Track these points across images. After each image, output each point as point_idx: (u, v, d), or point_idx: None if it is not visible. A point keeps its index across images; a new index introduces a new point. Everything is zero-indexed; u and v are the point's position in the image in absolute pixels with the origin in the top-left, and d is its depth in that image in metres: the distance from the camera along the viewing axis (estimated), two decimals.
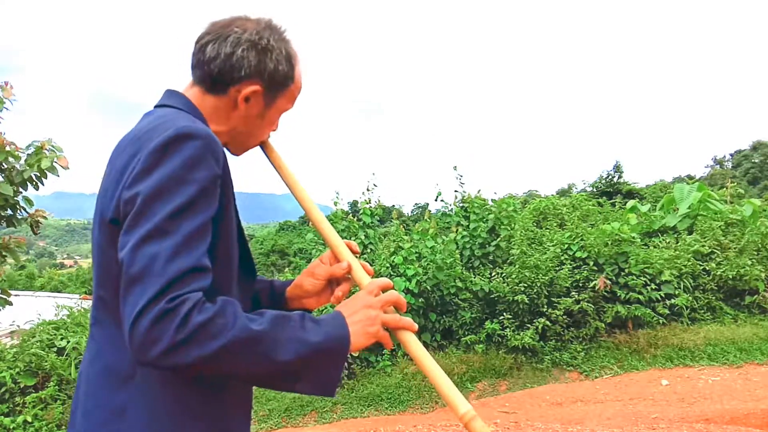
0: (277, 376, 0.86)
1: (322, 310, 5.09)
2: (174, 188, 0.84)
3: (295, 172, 1.20)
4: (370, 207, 7.66)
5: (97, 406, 0.92)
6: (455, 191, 7.89)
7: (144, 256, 0.79)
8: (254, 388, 1.09)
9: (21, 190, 3.24)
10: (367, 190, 7.82)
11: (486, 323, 6.14)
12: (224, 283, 0.94)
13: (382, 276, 5.87)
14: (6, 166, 3.21)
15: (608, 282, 6.20)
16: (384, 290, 1.04)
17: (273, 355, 0.84)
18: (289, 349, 0.85)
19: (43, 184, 3.22)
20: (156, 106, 1.06)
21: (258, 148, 1.18)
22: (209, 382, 0.93)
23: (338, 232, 7.03)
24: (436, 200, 8.06)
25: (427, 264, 6.39)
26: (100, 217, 0.93)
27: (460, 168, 7.97)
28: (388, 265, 6.61)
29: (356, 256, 1.15)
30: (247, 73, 1.02)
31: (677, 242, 7.35)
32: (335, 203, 7.61)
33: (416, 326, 1.04)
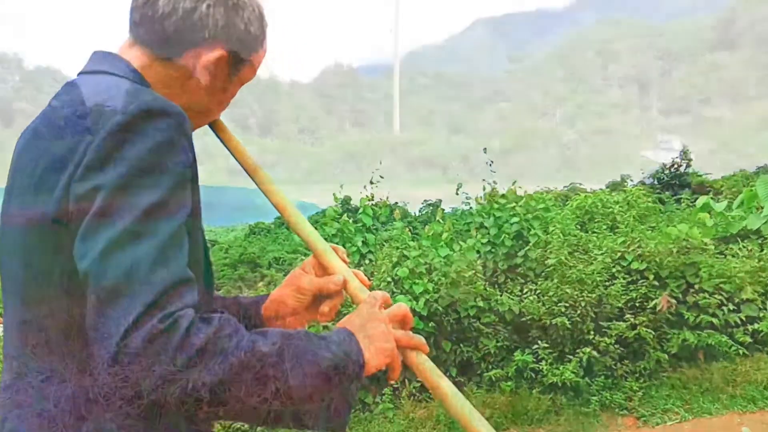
0: (283, 404, 0.87)
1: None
2: (145, 179, 0.85)
3: (255, 158, 1.21)
4: (373, 205, 7.52)
5: None
6: (482, 188, 7.70)
7: (119, 264, 0.80)
8: None
9: None
10: (371, 183, 7.69)
11: (515, 354, 6.06)
12: None
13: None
14: None
15: (673, 301, 6.15)
16: (385, 305, 1.09)
17: (282, 378, 0.86)
18: (298, 371, 0.87)
19: None
20: (82, 73, 1.04)
21: (208, 128, 1.20)
22: (175, 423, 0.93)
23: (329, 237, 6.91)
24: (457, 193, 7.97)
25: (440, 278, 6.27)
26: (29, 217, 0.92)
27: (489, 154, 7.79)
28: (389, 279, 6.47)
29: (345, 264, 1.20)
30: (211, 34, 1.03)
31: (762, 250, 7.33)
32: (335, 199, 7.53)
33: (427, 347, 1.08)
